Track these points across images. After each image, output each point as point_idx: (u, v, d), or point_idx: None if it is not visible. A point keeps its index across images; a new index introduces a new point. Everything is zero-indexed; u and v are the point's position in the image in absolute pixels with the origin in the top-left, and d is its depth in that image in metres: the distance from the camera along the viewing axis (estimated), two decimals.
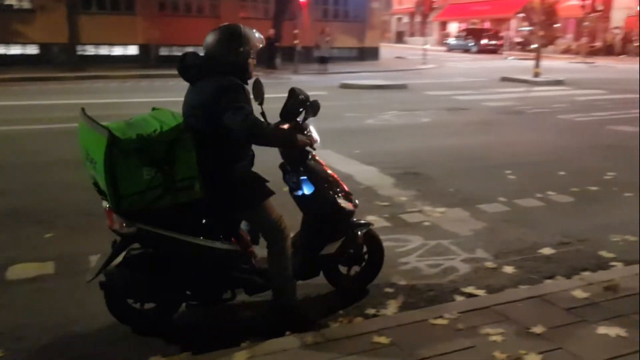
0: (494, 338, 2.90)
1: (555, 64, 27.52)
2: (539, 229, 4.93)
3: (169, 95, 14.46)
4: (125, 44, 24.30)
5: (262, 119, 3.17)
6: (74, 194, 5.82)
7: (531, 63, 20.57)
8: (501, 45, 39.06)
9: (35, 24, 22.06)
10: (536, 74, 19.22)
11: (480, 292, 3.69)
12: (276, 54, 23.09)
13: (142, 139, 2.73)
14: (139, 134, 2.74)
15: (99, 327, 3.27)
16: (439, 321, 3.08)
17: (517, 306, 3.26)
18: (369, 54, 28.97)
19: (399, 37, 58.18)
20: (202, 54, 3.12)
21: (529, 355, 2.74)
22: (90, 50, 23.15)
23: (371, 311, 3.45)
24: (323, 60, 22.44)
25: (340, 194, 3.40)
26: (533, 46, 25.04)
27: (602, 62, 30.67)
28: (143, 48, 24.33)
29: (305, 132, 3.28)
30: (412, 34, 56.40)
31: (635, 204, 5.71)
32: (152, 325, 3.20)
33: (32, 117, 10.71)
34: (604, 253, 4.39)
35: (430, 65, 26.23)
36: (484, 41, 40.88)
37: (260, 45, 3.13)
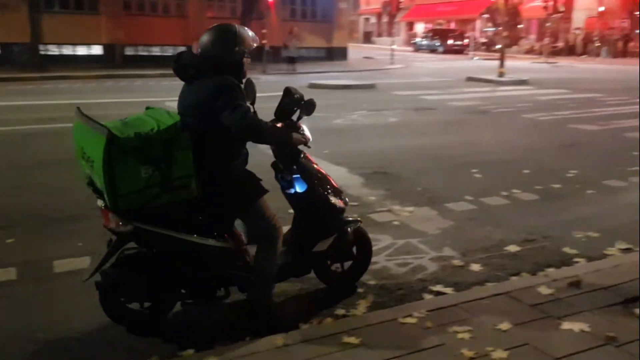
0: (461, 336, 2.94)
1: (519, 64, 28.04)
2: (505, 227, 5.01)
3: (135, 96, 14.28)
4: (89, 43, 23.89)
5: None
6: (36, 198, 5.71)
7: (496, 63, 20.90)
8: (467, 46, 39.57)
9: None
10: (501, 74, 19.54)
11: (448, 290, 3.73)
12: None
13: (140, 137, 2.74)
14: (137, 133, 2.75)
15: (63, 334, 3.21)
16: (408, 320, 3.10)
17: (484, 303, 3.31)
18: (337, 54, 29.06)
19: (367, 38, 58.49)
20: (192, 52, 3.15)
21: (495, 352, 2.78)
22: (53, 50, 22.71)
23: (341, 311, 3.45)
24: (291, 60, 22.43)
25: (331, 192, 3.46)
26: (497, 46, 25.45)
27: (564, 62, 31.35)
28: (108, 48, 23.95)
29: (299, 131, 3.33)
30: (379, 34, 56.76)
31: (596, 200, 5.85)
32: (146, 325, 3.19)
33: None
34: (567, 249, 4.49)
35: (398, 65, 26.44)
36: (450, 41, 41.41)
37: (255, 45, 3.16)
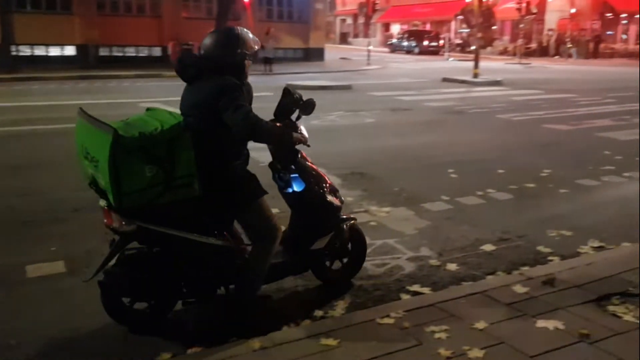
0: (438, 335, 2.96)
1: (493, 64, 28.38)
2: (480, 226, 5.06)
3: (110, 97, 14.12)
4: (62, 44, 23.55)
5: None
6: (9, 201, 5.60)
7: (470, 64, 21.12)
8: (442, 47, 39.90)
9: None
10: (475, 75, 19.75)
11: (426, 290, 3.75)
12: None
13: (144, 137, 2.79)
14: (141, 132, 2.79)
15: (37, 341, 3.16)
16: (386, 320, 3.11)
17: (460, 303, 3.34)
18: (313, 54, 29.08)
19: (343, 38, 58.63)
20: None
21: (472, 351, 2.80)
22: (26, 51, 22.29)
23: (319, 313, 3.45)
24: (268, 61, 22.37)
25: (327, 190, 3.53)
26: (472, 48, 25.70)
27: (537, 62, 31.80)
28: (81, 48, 23.62)
29: (298, 131, 3.39)
30: (356, 35, 56.94)
31: (569, 199, 5.95)
32: (147, 325, 3.22)
33: None
34: (541, 248, 4.55)
35: (374, 66, 26.55)
36: (425, 43, 41.72)
37: (256, 48, 3.23)
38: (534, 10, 34.80)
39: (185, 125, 2.94)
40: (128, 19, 24.65)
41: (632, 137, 9.42)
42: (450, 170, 7.02)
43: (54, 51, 23.54)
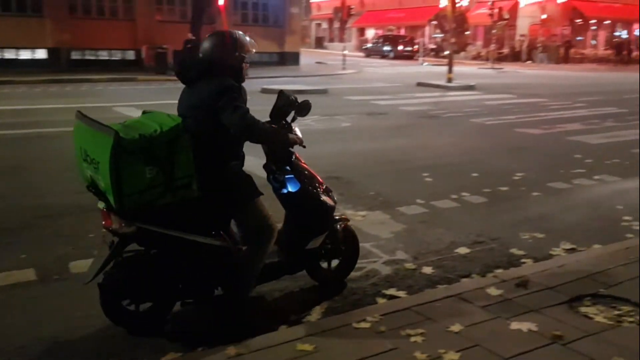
0: (414, 339, 2.97)
1: (466, 69, 28.70)
2: (455, 229, 5.11)
3: (82, 101, 13.89)
4: (33, 47, 23.11)
5: None
6: None
7: (444, 69, 21.34)
8: (416, 52, 40.23)
9: None
10: (449, 80, 19.97)
11: (401, 294, 3.77)
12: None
13: (144, 139, 2.82)
14: (141, 134, 2.83)
15: (5, 350, 3.08)
16: (362, 325, 3.11)
17: (436, 306, 3.36)
18: (289, 59, 29.06)
19: (319, 43, 58.74)
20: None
21: (447, 354, 2.82)
22: None
23: (295, 318, 3.44)
24: None
25: (322, 191, 3.59)
26: (446, 52, 25.99)
27: (509, 67, 32.26)
28: (53, 51, 23.23)
29: (293, 132, 3.47)
30: (331, 40, 57.09)
31: (541, 202, 6.04)
32: (146, 326, 3.22)
33: None
34: (514, 250, 4.61)
35: (350, 71, 26.65)
36: (400, 47, 42.02)
37: (254, 51, 3.32)
38: (506, 16, 35.31)
39: (184, 126, 2.98)
40: (101, 21, 24.33)
41: (602, 141, 9.62)
42: (425, 174, 7.07)
43: (25, 54, 23.11)
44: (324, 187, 3.65)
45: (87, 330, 3.30)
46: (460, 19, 22.28)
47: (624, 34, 43.84)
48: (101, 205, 3.00)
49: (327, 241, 3.68)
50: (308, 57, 34.27)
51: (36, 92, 15.86)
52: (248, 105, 3.20)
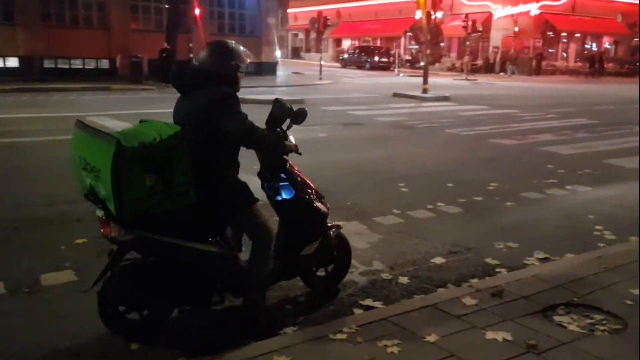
0: (391, 349, 2.97)
1: (441, 80, 29.03)
2: (431, 239, 5.14)
3: (54, 111, 13.71)
4: (4, 55, 22.72)
5: None
6: None
7: (420, 80, 21.55)
8: (392, 63, 40.59)
9: None
10: (424, 90, 20.16)
11: (378, 304, 3.77)
12: (171, 68, 22.54)
13: (144, 146, 2.84)
14: (141, 142, 2.85)
15: None
16: (339, 336, 3.11)
17: (412, 316, 3.37)
18: (266, 69, 29.05)
19: (295, 53, 58.91)
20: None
21: None
22: None
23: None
24: None
25: (315, 198, 3.65)
26: (421, 64, 26.26)
27: (483, 79, 32.73)
28: (25, 60, 22.87)
29: (288, 140, 3.54)
30: (308, 50, 57.34)
31: (515, 212, 6.11)
32: (145, 334, 3.24)
33: None
34: (489, 260, 4.65)
35: (326, 81, 26.74)
36: (376, 58, 42.36)
37: (249, 60, 3.38)
38: (480, 29, 35.92)
39: (182, 134, 3.00)
40: (75, 30, 24.05)
41: (573, 152, 9.79)
42: (401, 184, 7.11)
43: None
44: (317, 193, 3.70)
45: (58, 345, 3.23)
46: (435, 30, 22.53)
47: (594, 47, 44.85)
48: (100, 213, 3.02)
49: (320, 247, 3.72)
50: (285, 67, 34.33)
51: (8, 102, 15.57)
52: None
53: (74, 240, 4.82)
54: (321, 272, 3.97)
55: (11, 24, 22.63)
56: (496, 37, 41.42)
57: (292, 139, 3.60)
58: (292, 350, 2.94)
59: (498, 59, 40.08)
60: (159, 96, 18.34)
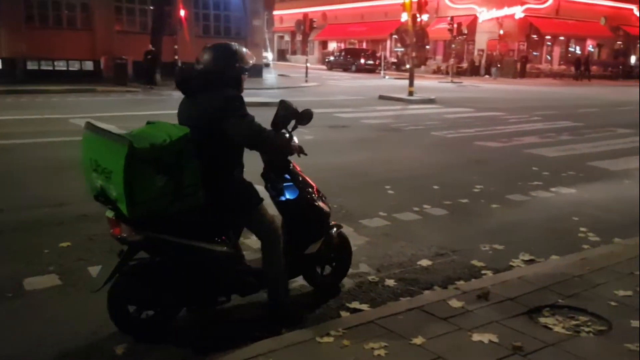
0: (377, 352, 2.97)
1: (427, 83, 29.18)
2: (417, 242, 5.15)
3: (37, 112, 13.57)
4: None
5: None
6: None
7: (406, 82, 21.62)
8: (378, 65, 40.73)
9: None
10: (410, 93, 20.25)
11: (364, 307, 3.76)
12: (156, 70, 22.45)
13: (155, 148, 2.88)
14: (152, 144, 2.88)
15: None
16: (325, 339, 3.10)
17: (398, 319, 3.37)
18: (252, 71, 28.89)
19: (281, 55, 58.89)
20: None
21: None
22: None
23: (258, 333, 3.39)
24: None
25: (318, 198, 3.72)
26: (407, 66, 26.39)
27: (468, 81, 32.94)
28: (7, 62, 22.64)
29: (293, 141, 3.59)
30: (294, 52, 57.35)
31: (501, 214, 6.15)
32: (153, 333, 3.27)
33: None
34: (475, 262, 4.67)
35: (313, 84, 26.76)
36: (362, 61, 42.48)
37: (251, 62, 3.41)
38: (465, 32, 36.12)
39: (191, 136, 3.03)
40: (58, 31, 23.84)
41: (558, 154, 9.88)
42: (387, 187, 7.12)
43: None
44: (319, 193, 3.77)
45: (42, 350, 3.19)
46: (420, 33, 22.67)
47: (577, 50, 45.35)
48: (110, 214, 3.06)
49: (323, 246, 3.79)
50: (271, 69, 34.26)
51: None
52: None
53: (57, 244, 4.77)
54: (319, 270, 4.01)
55: None
56: (481, 40, 41.73)
57: (296, 139, 3.65)
58: (278, 354, 2.93)
59: (483, 61, 40.36)
60: (143, 98, 18.23)
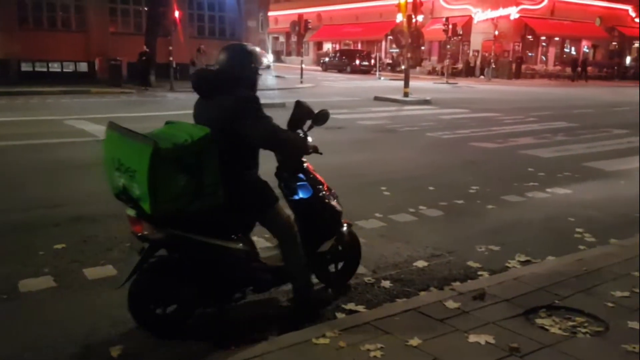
0: (374, 354, 2.96)
1: (422, 84, 29.22)
2: (413, 243, 5.14)
3: (32, 114, 13.52)
4: None
5: None
6: None
7: (401, 83, 21.64)
8: (373, 66, 40.74)
9: None
10: (406, 94, 20.26)
11: (360, 308, 3.75)
12: (150, 71, 22.41)
13: (178, 148, 2.93)
14: (175, 144, 2.93)
15: None
16: (321, 340, 3.09)
17: (395, 320, 3.36)
18: None
19: (276, 56, 58.86)
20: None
21: None
22: None
23: (254, 334, 3.38)
24: None
25: (331, 196, 3.79)
26: (402, 67, 26.39)
27: (463, 82, 33.00)
28: (2, 63, 22.53)
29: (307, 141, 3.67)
30: (288, 53, 57.32)
31: (496, 215, 6.15)
32: (171, 329, 3.32)
33: None
34: (471, 263, 4.67)
35: (308, 85, 26.75)
36: (357, 62, 42.50)
37: (264, 62, 3.30)
38: (460, 32, 36.18)
39: (211, 136, 3.06)
40: (53, 33, 23.77)
41: (553, 155, 9.89)
42: (383, 188, 7.12)
43: None
44: (331, 191, 3.83)
45: (37, 352, 3.17)
46: (415, 34, 22.61)
47: (572, 51, 45.49)
48: (131, 212, 3.12)
49: (334, 244, 3.87)
50: (265, 70, 34.20)
51: None
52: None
53: (52, 246, 4.74)
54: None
55: None
56: (476, 41, 41.81)
57: (310, 139, 3.71)
58: (274, 356, 2.92)
59: (478, 62, 40.44)
60: (138, 99, 18.18)
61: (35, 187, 6.85)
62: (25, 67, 23.37)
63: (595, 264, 4.33)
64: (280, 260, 3.55)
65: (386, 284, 4.21)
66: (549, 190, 7.26)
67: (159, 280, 3.27)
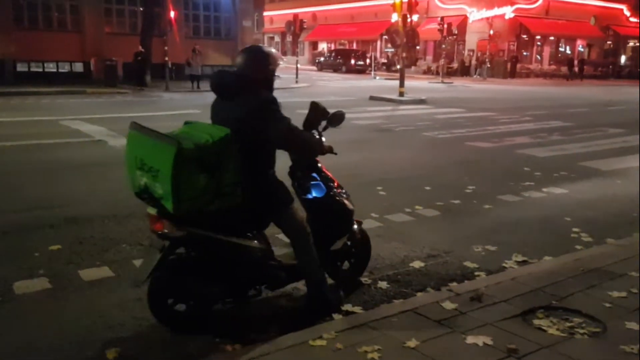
0: (371, 355, 2.94)
1: (417, 83, 29.24)
2: (409, 243, 5.13)
3: (28, 114, 13.47)
4: None
5: None
6: None
7: (396, 83, 21.64)
8: (368, 66, 40.74)
9: None
10: (401, 93, 20.27)
11: (357, 309, 3.74)
12: (146, 71, 22.35)
13: (200, 148, 2.97)
14: (197, 144, 2.97)
15: None
16: (318, 342, 3.08)
17: (392, 321, 3.35)
18: None
19: None
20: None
21: None
22: None
23: (251, 335, 3.36)
24: (195, 78, 22.09)
25: (343, 196, 3.86)
26: (397, 67, 26.40)
27: (458, 82, 33.03)
28: None
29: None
30: (284, 53, 57.25)
31: (493, 215, 6.14)
32: (190, 325, 3.40)
33: None
34: (468, 263, 4.66)
35: (303, 84, 26.72)
36: (352, 61, 42.49)
37: (280, 63, 3.50)
38: (455, 32, 36.22)
39: (232, 137, 3.11)
40: (48, 33, 23.69)
41: (549, 154, 9.90)
42: (379, 188, 7.11)
43: None
44: (345, 191, 3.90)
45: (32, 355, 3.15)
46: (411, 34, 22.60)
47: (567, 50, 45.61)
48: (152, 211, 3.16)
49: (347, 242, 3.94)
50: None
51: None
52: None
53: (48, 247, 4.72)
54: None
55: None
56: (471, 40, 41.86)
57: (324, 139, 3.78)
58: (271, 357, 2.91)
59: (474, 62, 40.48)
60: (133, 100, 18.13)
61: (30, 188, 6.81)
62: (21, 67, 23.29)
63: (593, 264, 4.32)
64: (294, 259, 3.61)
65: (383, 284, 4.20)
66: (545, 189, 7.26)
67: (177, 278, 3.33)
